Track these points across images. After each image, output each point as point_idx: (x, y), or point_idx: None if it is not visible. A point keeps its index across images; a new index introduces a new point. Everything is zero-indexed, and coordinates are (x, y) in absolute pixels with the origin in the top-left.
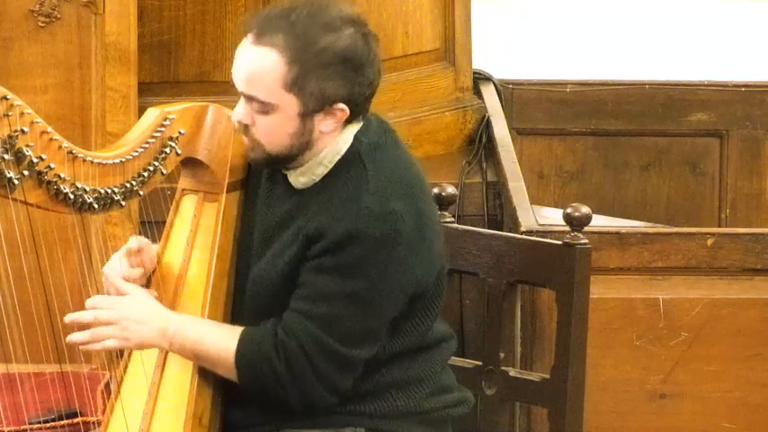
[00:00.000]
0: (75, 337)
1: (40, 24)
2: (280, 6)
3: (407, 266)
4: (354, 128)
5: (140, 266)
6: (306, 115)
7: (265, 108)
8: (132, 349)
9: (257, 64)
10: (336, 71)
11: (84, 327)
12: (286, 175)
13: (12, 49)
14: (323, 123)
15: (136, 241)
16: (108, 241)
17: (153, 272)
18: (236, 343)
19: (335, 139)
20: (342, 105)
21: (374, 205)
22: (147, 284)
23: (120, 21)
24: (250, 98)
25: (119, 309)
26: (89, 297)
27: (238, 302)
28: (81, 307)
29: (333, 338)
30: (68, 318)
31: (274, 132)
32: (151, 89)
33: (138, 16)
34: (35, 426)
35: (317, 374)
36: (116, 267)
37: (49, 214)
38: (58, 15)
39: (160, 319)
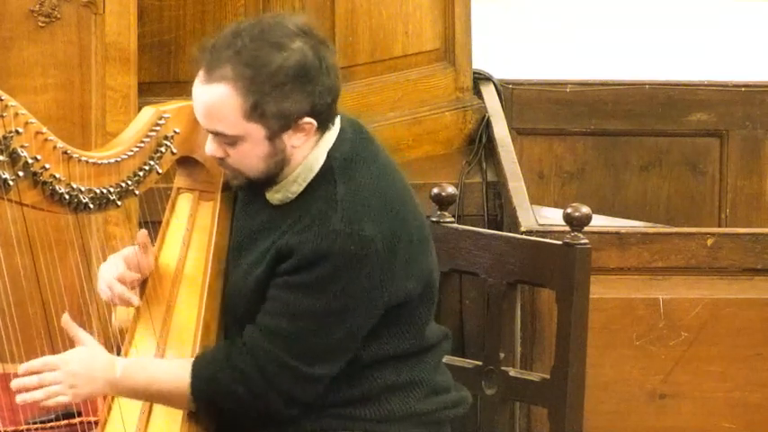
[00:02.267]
0: (24, 396)
1: (40, 24)
2: (225, 33)
3: (376, 286)
4: (328, 140)
5: (137, 271)
6: (273, 137)
7: (232, 140)
8: (83, 400)
9: (212, 101)
10: (292, 88)
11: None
12: None
13: (12, 49)
14: (293, 139)
15: (144, 236)
16: (107, 241)
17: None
18: (190, 374)
19: (310, 151)
20: (307, 119)
21: (342, 226)
22: (143, 285)
23: (120, 21)
24: (215, 134)
25: (63, 368)
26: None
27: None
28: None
29: (291, 356)
30: (14, 384)
31: (248, 159)
32: (151, 89)
33: (138, 16)
34: (33, 426)
35: (276, 390)
36: (108, 274)
37: (46, 215)
38: (58, 15)
39: (104, 370)
